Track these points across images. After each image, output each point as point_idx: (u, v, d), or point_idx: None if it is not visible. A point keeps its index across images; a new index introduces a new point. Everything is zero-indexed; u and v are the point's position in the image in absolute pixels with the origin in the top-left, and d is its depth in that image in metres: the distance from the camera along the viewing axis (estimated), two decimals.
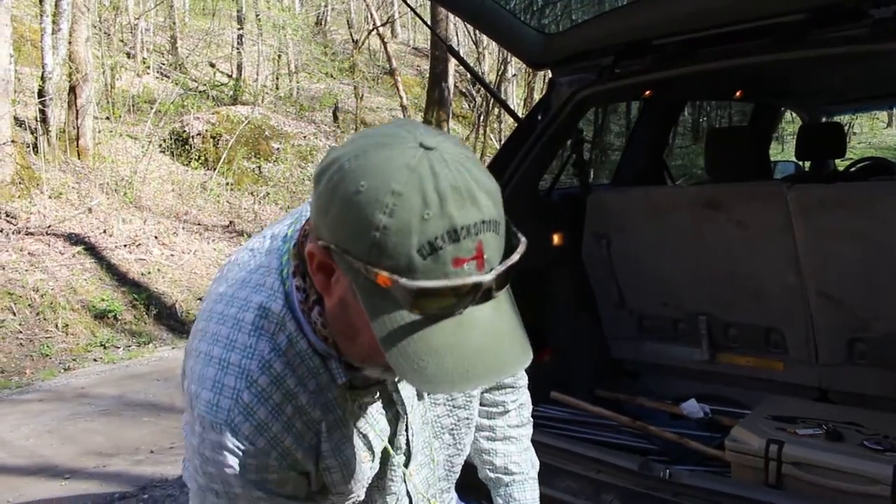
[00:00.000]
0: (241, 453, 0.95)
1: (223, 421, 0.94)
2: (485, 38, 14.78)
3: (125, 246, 8.63)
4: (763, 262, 2.76)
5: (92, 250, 8.27)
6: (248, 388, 0.94)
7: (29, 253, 7.66)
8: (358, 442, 1.06)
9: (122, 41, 15.56)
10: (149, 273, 8.40)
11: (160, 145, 11.72)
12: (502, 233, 0.82)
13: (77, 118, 9.90)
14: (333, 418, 1.02)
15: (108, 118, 11.57)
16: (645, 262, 3.07)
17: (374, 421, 1.09)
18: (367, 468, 1.09)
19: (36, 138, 9.27)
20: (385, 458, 1.13)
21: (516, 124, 3.07)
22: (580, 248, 3.16)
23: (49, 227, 8.18)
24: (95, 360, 6.70)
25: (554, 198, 3.19)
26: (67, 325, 7.02)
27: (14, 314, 6.83)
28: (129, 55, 15.23)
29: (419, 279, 0.77)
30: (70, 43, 9.81)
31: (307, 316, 0.96)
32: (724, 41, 2.55)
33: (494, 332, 0.82)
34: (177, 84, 14.05)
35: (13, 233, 7.71)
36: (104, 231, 8.71)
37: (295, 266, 0.97)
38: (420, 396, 1.17)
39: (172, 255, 9.00)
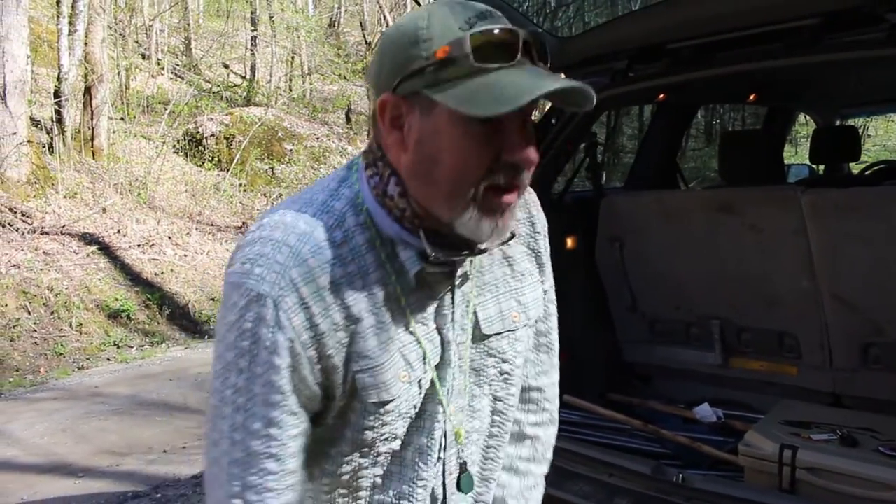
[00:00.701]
0: (278, 328, 0.96)
1: (267, 293, 0.96)
2: None
3: (139, 246, 8.69)
4: (777, 266, 2.75)
5: (106, 250, 8.33)
6: (297, 267, 0.96)
7: (44, 252, 7.73)
8: (396, 354, 1.04)
9: (137, 42, 15.66)
10: (162, 273, 8.45)
11: (174, 146, 11.78)
12: None
13: (92, 118, 9.98)
14: (375, 320, 1.02)
15: (122, 119, 11.64)
16: (658, 265, 3.07)
17: (418, 340, 1.06)
18: (402, 385, 1.05)
19: (52, 138, 9.35)
20: (426, 385, 1.09)
21: None
22: (593, 251, 3.15)
23: (64, 226, 8.24)
24: (109, 359, 6.74)
25: (567, 201, 3.19)
26: (81, 325, 7.07)
27: (29, 313, 6.89)
28: (143, 56, 15.32)
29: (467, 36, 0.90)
30: (86, 44, 9.89)
31: (381, 198, 1.01)
32: (739, 45, 2.55)
33: (547, 73, 0.93)
34: (191, 85, 14.13)
35: (28, 232, 7.77)
36: (118, 231, 8.76)
37: (366, 163, 1.04)
38: (474, 337, 1.14)
39: (186, 256, 9.05)
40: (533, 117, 1.03)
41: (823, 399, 2.75)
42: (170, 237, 9.22)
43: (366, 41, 19.65)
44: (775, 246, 2.72)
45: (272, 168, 12.37)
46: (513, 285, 1.18)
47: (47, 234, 7.99)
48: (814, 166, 4.99)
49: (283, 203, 1.06)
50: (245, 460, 0.99)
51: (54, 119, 9.47)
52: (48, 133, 9.51)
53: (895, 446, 2.16)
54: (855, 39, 2.29)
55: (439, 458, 1.14)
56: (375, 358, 1.02)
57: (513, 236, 1.08)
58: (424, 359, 1.07)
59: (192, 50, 17.22)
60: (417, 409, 1.09)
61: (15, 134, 8.05)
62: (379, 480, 1.12)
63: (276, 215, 1.02)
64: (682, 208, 2.99)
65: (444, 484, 1.16)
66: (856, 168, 5.27)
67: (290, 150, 12.88)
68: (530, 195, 1.22)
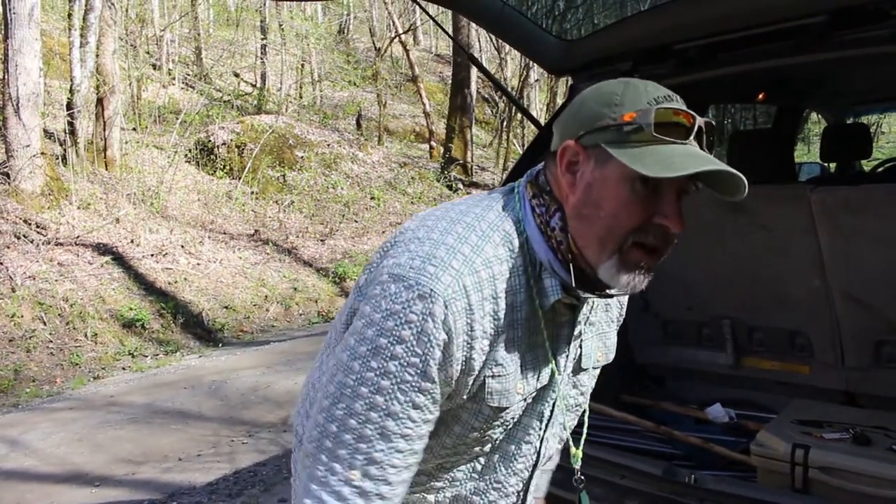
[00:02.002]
0: (444, 326, 1.05)
1: (441, 293, 1.05)
2: (506, 44, 14.82)
3: (152, 255, 8.75)
4: (787, 265, 2.74)
5: (120, 260, 8.39)
6: (470, 275, 1.07)
7: (58, 263, 7.79)
8: (521, 367, 1.16)
9: (148, 53, 15.78)
10: (176, 282, 8.50)
11: (186, 155, 11.85)
12: None
13: (104, 129, 10.06)
14: (513, 334, 1.13)
15: (134, 129, 11.73)
16: (669, 265, 3.02)
17: (540, 360, 1.19)
18: (518, 397, 1.18)
19: (65, 150, 9.43)
20: (538, 398, 1.24)
21: (538, 130, 3.08)
22: None
23: (78, 237, 8.31)
24: (124, 368, 6.79)
25: None
26: (96, 335, 7.12)
27: (44, 324, 6.94)
28: (154, 67, 15.44)
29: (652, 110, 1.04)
30: (97, 56, 9.97)
31: (544, 228, 1.13)
32: (746, 44, 2.54)
33: (711, 157, 1.06)
34: (202, 94, 14.21)
35: (43, 243, 7.83)
36: (131, 241, 8.82)
37: (532, 193, 1.16)
38: (576, 370, 1.29)
39: (199, 264, 9.10)
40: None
41: (836, 398, 2.74)
42: (183, 246, 9.27)
43: (375, 47, 19.71)
44: (786, 245, 2.71)
45: (283, 175, 12.42)
46: (605, 329, 1.36)
47: (61, 245, 8.05)
48: (825, 164, 4.96)
49: (443, 210, 1.17)
50: (375, 438, 1.08)
51: (67, 131, 9.56)
52: (61, 145, 9.60)
53: None
54: (862, 36, 2.28)
55: (525, 471, 1.31)
56: (506, 367, 1.14)
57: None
58: (539, 377, 1.19)
59: (202, 59, 17.34)
60: (516, 420, 1.23)
61: (29, 146, 8.12)
62: (461, 475, 1.27)
63: (443, 223, 1.13)
64: (693, 208, 2.96)
65: (524, 501, 1.34)
66: (868, 165, 5.25)
67: (302, 157, 12.93)
68: None
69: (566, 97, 3.14)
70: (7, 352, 6.46)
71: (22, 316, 6.84)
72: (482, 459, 1.27)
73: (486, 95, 22.56)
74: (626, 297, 1.41)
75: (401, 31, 17.76)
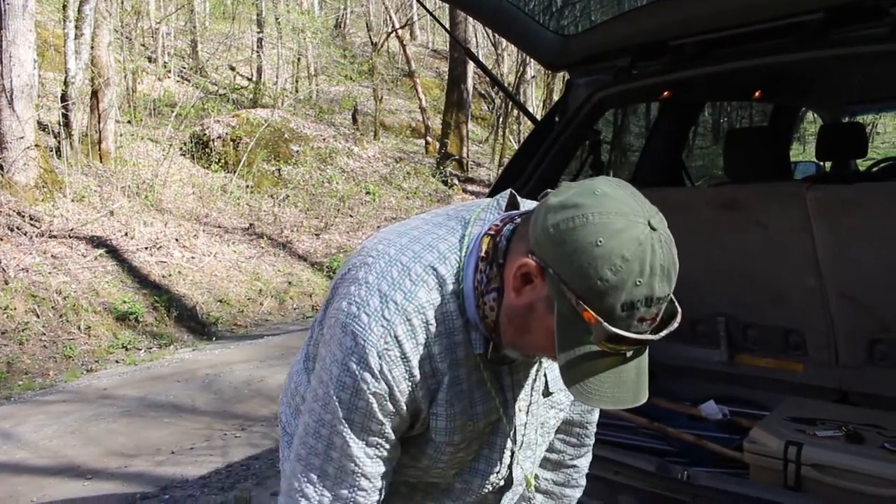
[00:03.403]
0: (381, 376, 1.11)
1: (374, 344, 1.10)
2: (504, 40, 14.77)
3: (146, 248, 8.72)
4: (782, 263, 2.74)
5: (114, 253, 8.36)
6: (402, 325, 1.11)
7: (52, 256, 7.76)
8: (467, 406, 1.19)
9: (143, 45, 15.73)
10: (170, 275, 8.48)
11: (181, 148, 11.82)
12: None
13: (99, 122, 10.02)
14: (455, 375, 1.16)
15: (129, 122, 11.69)
16: None
17: (488, 396, 1.22)
18: (467, 434, 1.22)
19: (59, 142, 9.39)
20: (497, 430, 1.26)
21: (534, 126, 3.07)
22: None
23: (72, 230, 8.28)
24: (117, 361, 6.77)
25: None
26: (90, 328, 7.10)
27: (38, 316, 6.92)
28: (150, 59, 15.39)
29: (613, 326, 0.98)
30: (92, 48, 9.93)
31: (478, 297, 1.14)
32: (743, 41, 2.54)
33: (638, 373, 1.05)
34: (197, 87, 14.17)
35: (37, 236, 7.80)
36: (126, 234, 8.80)
37: (484, 252, 1.14)
38: (546, 393, 1.32)
39: (193, 258, 9.08)
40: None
41: (829, 396, 2.74)
42: (177, 239, 9.25)
43: (372, 42, 19.67)
44: (781, 243, 2.71)
45: (279, 169, 12.40)
46: None
47: (55, 237, 8.02)
48: (821, 163, 4.96)
49: (389, 241, 1.20)
50: (338, 476, 1.16)
51: (61, 123, 9.51)
52: (55, 137, 9.56)
53: None
54: (859, 34, 2.28)
55: (494, 492, 1.34)
56: (448, 407, 1.17)
57: None
58: (489, 413, 1.22)
59: (198, 52, 17.28)
60: (475, 455, 1.27)
61: (23, 138, 8.09)
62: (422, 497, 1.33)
63: (383, 261, 1.16)
64: (687, 205, 2.98)
65: None
66: (863, 165, 5.25)
67: (297, 151, 12.91)
68: None
69: (563, 93, 3.13)
70: (0, 344, 6.44)
71: (15, 308, 6.81)
72: (444, 486, 1.32)
73: (483, 91, 22.54)
74: None
75: (398, 25, 17.73)
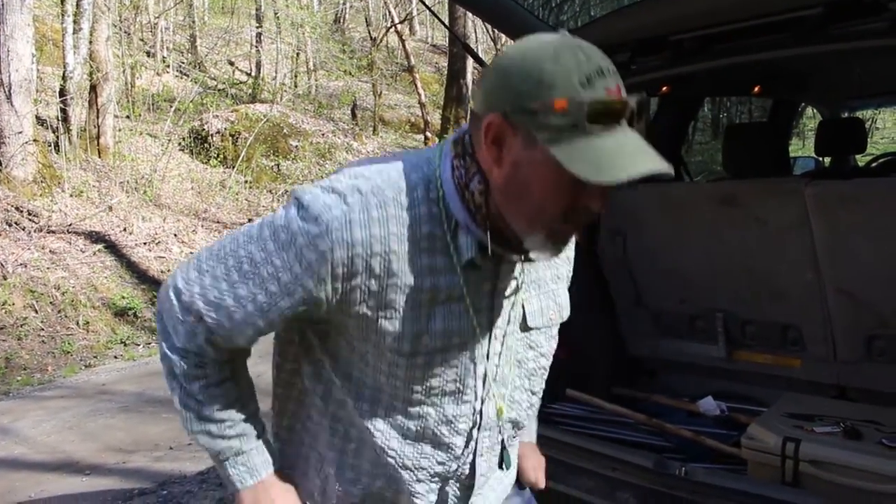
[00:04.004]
0: (318, 249, 1.07)
1: (326, 220, 1.07)
2: (503, 35, 14.76)
3: (145, 244, 8.71)
4: (781, 259, 2.74)
5: (112, 248, 8.35)
6: (360, 213, 1.08)
7: (50, 251, 7.75)
8: (424, 318, 1.14)
9: (142, 40, 15.69)
10: (168, 271, 8.47)
11: (179, 143, 11.81)
12: None
13: (98, 117, 10.00)
14: (419, 283, 1.12)
15: (128, 117, 11.67)
16: (661, 258, 3.05)
17: (458, 314, 1.16)
18: (422, 346, 1.15)
19: (57, 137, 9.37)
20: (469, 355, 1.20)
21: None
22: (596, 244, 3.14)
23: (70, 225, 8.27)
24: (116, 357, 6.77)
25: None
26: (88, 323, 7.09)
27: (36, 312, 6.92)
28: (149, 54, 15.35)
29: (584, 96, 0.98)
30: (91, 42, 9.90)
31: (462, 189, 1.11)
32: (742, 36, 2.53)
33: (642, 144, 1.04)
34: (196, 82, 14.15)
35: (35, 231, 7.80)
36: (124, 229, 8.79)
37: (455, 153, 1.13)
38: (524, 327, 1.26)
39: (192, 253, 9.04)
40: None
41: (828, 391, 2.74)
42: (176, 235, 9.24)
43: (371, 37, 19.63)
44: (779, 238, 2.71)
45: (278, 165, 12.39)
46: (552, 287, 1.32)
47: (53, 232, 8.01)
48: (820, 159, 4.96)
49: (369, 159, 1.19)
50: (214, 304, 1.14)
51: (60, 118, 9.49)
52: (54, 132, 9.54)
53: None
54: (858, 29, 2.27)
55: (471, 435, 1.24)
56: (401, 311, 1.12)
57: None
58: (456, 332, 1.16)
59: (197, 47, 17.25)
60: (450, 382, 1.19)
61: (21, 133, 8.07)
62: (401, 442, 1.21)
63: (360, 167, 1.14)
64: (685, 201, 2.98)
65: (473, 462, 1.26)
66: (863, 160, 5.25)
67: (296, 146, 12.89)
68: None
69: None
70: None
71: (13, 304, 6.81)
72: (425, 426, 1.22)
73: None
74: (573, 252, 1.40)
75: (397, 20, 17.70)
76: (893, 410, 2.39)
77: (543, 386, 1.37)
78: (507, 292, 1.21)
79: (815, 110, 6.19)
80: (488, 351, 1.21)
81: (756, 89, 4.00)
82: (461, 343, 1.17)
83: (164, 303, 1.20)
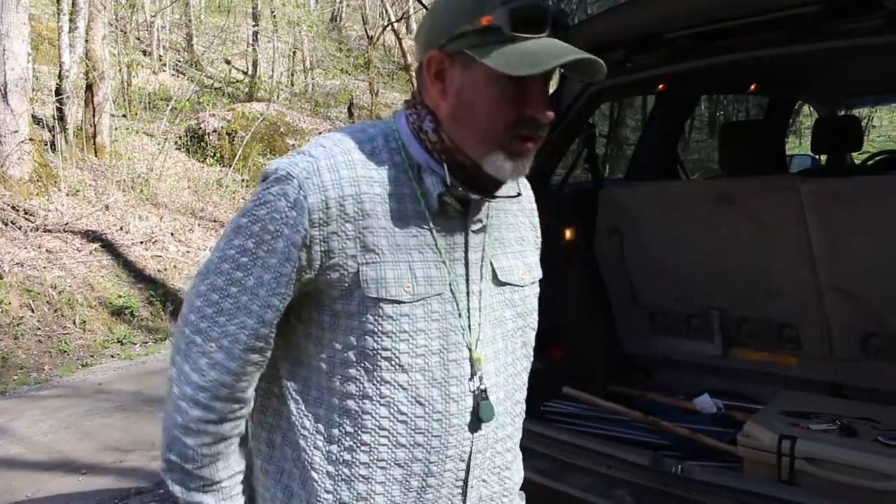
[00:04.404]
0: (296, 203, 1.11)
1: (296, 174, 1.12)
2: None
3: (142, 243, 8.70)
4: (777, 257, 2.74)
5: (109, 247, 8.34)
6: (326, 159, 1.14)
7: (47, 250, 7.74)
8: (405, 264, 1.16)
9: (138, 39, 15.66)
10: (165, 270, 8.46)
11: (176, 142, 11.79)
12: None
13: (94, 116, 9.98)
14: (391, 225, 1.15)
15: (124, 116, 11.65)
16: (657, 257, 3.06)
17: (433, 263, 1.18)
18: (405, 295, 1.16)
19: (53, 136, 9.35)
20: (447, 308, 1.20)
21: None
22: (592, 243, 3.14)
23: (66, 224, 8.25)
24: (113, 356, 6.76)
25: (566, 192, 3.18)
26: (85, 322, 7.08)
27: (33, 311, 6.90)
28: (145, 53, 15.33)
29: (507, 5, 1.08)
30: (87, 41, 9.88)
31: (417, 132, 1.19)
32: (738, 34, 2.53)
33: (568, 46, 1.11)
34: (192, 81, 14.12)
35: (31, 230, 7.78)
36: (121, 228, 8.77)
37: (406, 108, 1.23)
38: (497, 282, 1.27)
39: (189, 252, 9.06)
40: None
41: (824, 389, 2.74)
42: (172, 234, 9.23)
43: (367, 35, 19.60)
44: (775, 236, 2.71)
45: None
46: (517, 248, 1.33)
47: (50, 231, 8.00)
48: (816, 157, 4.96)
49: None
50: (231, 311, 1.14)
51: (56, 117, 9.48)
52: (50, 131, 9.52)
53: (894, 436, 2.15)
54: (855, 26, 2.27)
55: (461, 396, 1.21)
56: (381, 255, 1.14)
57: (519, 195, 1.31)
58: (432, 280, 1.17)
59: (193, 46, 17.22)
60: (435, 339, 1.18)
61: (17, 132, 8.05)
62: (392, 421, 1.17)
63: (319, 137, 1.22)
64: (681, 199, 2.98)
65: (471, 421, 1.22)
66: (859, 158, 5.25)
67: (293, 145, 12.87)
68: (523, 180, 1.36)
69: (558, 85, 3.12)
70: None
71: (10, 303, 6.79)
72: (409, 391, 1.17)
73: None
74: (537, 220, 1.41)
75: (393, 19, 17.67)
76: (889, 408, 2.40)
77: (530, 359, 1.37)
78: (475, 242, 1.24)
79: (811, 108, 6.20)
80: (468, 305, 1.22)
81: (752, 87, 4.00)
82: (441, 294, 1.18)
83: (178, 341, 1.20)
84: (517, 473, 1.38)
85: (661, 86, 3.23)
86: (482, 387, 1.22)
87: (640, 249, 3.06)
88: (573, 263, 3.13)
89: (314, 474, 1.19)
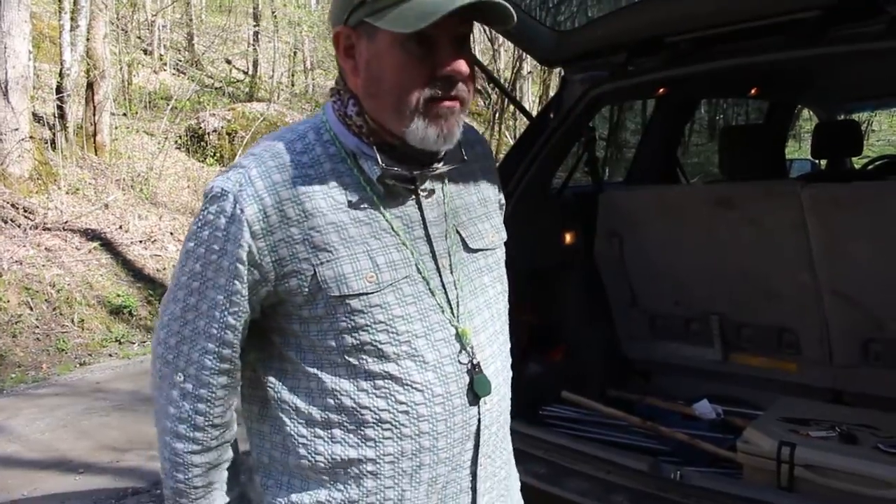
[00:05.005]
0: (233, 218, 1.09)
1: (229, 189, 1.10)
2: (500, 35, 14.75)
3: (141, 242, 8.69)
4: (777, 262, 2.73)
5: (108, 246, 8.32)
6: (257, 167, 1.12)
7: (46, 248, 7.72)
8: (362, 254, 1.13)
9: (139, 38, 15.65)
10: (164, 269, 8.45)
11: (176, 142, 11.78)
12: None
13: (94, 114, 9.97)
14: (338, 219, 1.12)
15: (124, 114, 11.64)
16: (657, 261, 3.05)
17: (393, 247, 1.15)
18: (369, 286, 1.12)
19: (54, 134, 9.34)
20: (419, 287, 1.17)
21: (529, 123, 3.06)
22: (592, 246, 3.14)
23: (66, 222, 8.24)
24: (111, 355, 6.75)
25: (566, 196, 3.17)
26: (83, 321, 7.07)
27: (31, 309, 6.89)
28: (146, 52, 15.32)
29: None
30: (88, 40, 9.87)
31: (343, 119, 1.16)
32: (738, 38, 2.53)
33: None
34: (193, 80, 14.11)
35: (31, 228, 7.77)
36: (120, 227, 8.76)
37: (331, 95, 1.20)
38: (467, 248, 1.24)
39: None
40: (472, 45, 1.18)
41: (824, 395, 2.74)
42: (172, 233, 9.21)
43: None
44: (775, 241, 2.70)
45: None
46: (481, 210, 1.30)
47: (49, 230, 7.98)
48: (816, 161, 4.96)
49: None
50: (192, 338, 1.14)
51: (56, 115, 9.46)
52: (50, 129, 9.50)
53: (895, 443, 2.15)
54: (856, 32, 2.27)
55: (458, 374, 1.18)
56: (334, 252, 1.11)
57: (463, 160, 1.23)
58: (397, 264, 1.14)
59: (194, 45, 17.21)
60: (416, 321, 1.15)
61: (17, 130, 8.04)
62: (393, 413, 1.14)
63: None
64: (681, 203, 2.97)
65: (472, 398, 1.19)
66: (858, 163, 5.25)
67: None
68: (470, 129, 1.31)
69: (559, 89, 3.12)
70: None
71: (8, 301, 6.78)
72: (403, 374, 1.14)
73: (479, 87, 22.49)
74: (497, 176, 1.38)
75: None
76: (889, 415, 2.39)
77: (503, 312, 1.32)
78: (434, 216, 1.20)
79: (811, 113, 6.20)
80: (442, 281, 1.19)
81: (753, 91, 4.00)
82: (409, 276, 1.15)
83: (153, 376, 1.20)
84: (510, 444, 1.36)
85: (661, 90, 3.23)
86: (475, 361, 1.19)
87: (639, 253, 3.06)
88: (573, 267, 3.13)
89: (318, 477, 1.17)
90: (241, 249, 1.09)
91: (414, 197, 1.18)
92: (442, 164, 1.18)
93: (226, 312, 1.12)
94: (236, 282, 1.10)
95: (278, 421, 1.18)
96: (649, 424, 2.69)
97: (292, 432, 1.17)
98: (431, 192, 1.20)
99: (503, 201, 1.41)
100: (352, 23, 1.11)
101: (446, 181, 1.23)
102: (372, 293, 1.12)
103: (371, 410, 1.14)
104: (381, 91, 1.11)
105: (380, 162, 1.12)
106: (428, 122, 1.10)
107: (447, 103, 1.10)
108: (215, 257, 1.11)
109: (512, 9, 1.06)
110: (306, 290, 1.11)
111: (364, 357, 1.13)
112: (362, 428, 1.14)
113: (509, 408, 1.31)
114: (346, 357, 1.13)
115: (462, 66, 1.10)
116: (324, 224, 1.11)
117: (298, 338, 1.15)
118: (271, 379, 1.18)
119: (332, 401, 1.14)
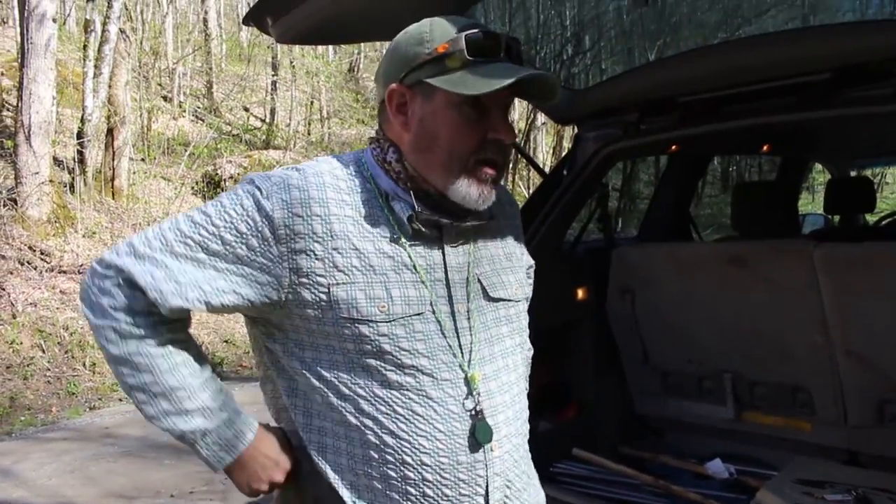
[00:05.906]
0: (258, 208, 1.16)
1: (266, 188, 1.16)
2: None
3: None
4: (789, 321, 2.72)
5: None
6: (297, 180, 1.17)
7: (61, 291, 7.78)
8: (378, 284, 1.17)
9: (159, 85, 15.96)
10: None
11: (192, 187, 11.92)
12: None
13: (113, 159, 10.13)
14: (362, 246, 1.17)
15: (143, 160, 11.81)
16: (669, 317, 3.04)
17: (411, 284, 1.19)
18: (379, 315, 1.16)
19: (73, 178, 9.49)
20: (433, 327, 1.20)
21: (543, 179, 3.09)
22: (604, 302, 3.14)
23: (81, 265, 8.31)
24: (121, 399, 6.73)
25: (579, 252, 3.19)
26: (95, 364, 7.08)
27: (43, 352, 6.92)
28: (166, 98, 15.60)
29: (458, 35, 1.16)
30: (110, 87, 10.09)
31: (381, 163, 1.23)
32: (751, 99, 2.56)
33: (523, 67, 1.17)
34: (211, 127, 14.33)
35: (46, 271, 7.84)
36: None
37: (370, 142, 1.28)
38: (487, 297, 1.27)
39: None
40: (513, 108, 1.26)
41: (839, 456, 2.70)
42: None
43: None
44: (788, 300, 2.69)
45: None
46: (506, 263, 1.35)
47: (65, 272, 8.05)
48: (829, 216, 4.96)
49: None
50: (170, 251, 1.18)
51: (76, 159, 9.62)
52: (70, 173, 9.66)
53: None
54: (865, 94, 2.30)
55: (462, 415, 1.20)
56: (351, 276, 1.15)
57: (492, 217, 1.29)
58: (411, 300, 1.17)
59: (213, 93, 17.52)
60: (423, 358, 1.18)
61: (38, 173, 8.17)
62: (395, 438, 1.17)
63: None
64: (694, 261, 2.97)
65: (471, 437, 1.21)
66: (872, 217, 5.25)
67: None
68: (502, 188, 1.37)
69: (572, 142, 3.15)
70: (4, 378, 6.43)
71: (21, 343, 6.82)
72: (406, 410, 1.17)
73: None
74: (522, 238, 1.44)
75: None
76: None
77: (523, 366, 1.37)
78: (457, 262, 1.24)
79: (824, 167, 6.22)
80: (456, 326, 1.21)
81: (765, 148, 4.03)
82: (422, 314, 1.18)
83: (88, 276, 1.26)
84: (537, 493, 1.36)
85: (674, 147, 3.26)
86: (479, 407, 1.21)
87: (652, 310, 3.05)
88: (585, 323, 3.12)
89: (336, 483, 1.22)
90: (255, 240, 1.15)
91: (439, 242, 1.23)
92: (471, 217, 1.24)
93: (206, 259, 1.17)
94: (223, 261, 1.17)
95: (299, 433, 1.26)
96: (661, 483, 2.65)
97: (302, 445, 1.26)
98: (457, 241, 1.25)
99: (532, 263, 1.45)
100: (408, 82, 1.18)
101: (473, 233, 1.28)
102: (381, 322, 1.16)
103: (373, 432, 1.18)
104: (433, 146, 1.18)
105: (415, 206, 1.19)
106: (471, 181, 1.18)
107: (491, 170, 1.20)
108: (221, 223, 1.17)
109: (559, 85, 1.15)
110: (319, 304, 1.16)
111: (369, 381, 1.18)
112: (366, 448, 1.19)
113: (528, 461, 1.33)
114: (354, 377, 1.18)
115: (510, 134, 1.19)
116: (348, 248, 1.16)
117: (304, 350, 1.21)
118: (288, 396, 1.26)
119: (336, 416, 1.20)
